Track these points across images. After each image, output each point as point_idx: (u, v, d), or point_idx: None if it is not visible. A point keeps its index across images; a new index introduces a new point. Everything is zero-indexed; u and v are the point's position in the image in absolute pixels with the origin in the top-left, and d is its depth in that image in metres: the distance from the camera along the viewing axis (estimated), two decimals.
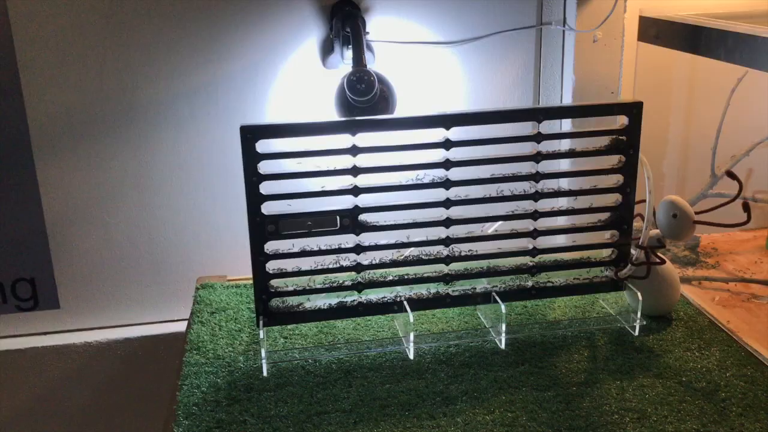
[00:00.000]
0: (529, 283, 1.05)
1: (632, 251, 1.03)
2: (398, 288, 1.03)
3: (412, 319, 0.98)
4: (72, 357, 1.28)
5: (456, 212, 1.00)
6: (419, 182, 0.97)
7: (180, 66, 1.19)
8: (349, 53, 1.17)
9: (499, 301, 1.01)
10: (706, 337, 1.01)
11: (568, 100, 1.27)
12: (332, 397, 0.90)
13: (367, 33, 1.20)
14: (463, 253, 1.02)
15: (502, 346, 1.00)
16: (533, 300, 1.12)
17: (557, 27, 1.26)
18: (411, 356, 0.99)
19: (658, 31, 1.26)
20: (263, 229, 0.94)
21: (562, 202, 1.08)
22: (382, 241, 0.99)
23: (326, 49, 1.22)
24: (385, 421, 0.85)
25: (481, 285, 1.04)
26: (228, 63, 1.20)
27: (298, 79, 1.22)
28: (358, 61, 1.10)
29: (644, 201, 1.02)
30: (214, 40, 1.19)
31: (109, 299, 1.30)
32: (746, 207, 0.94)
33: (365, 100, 1.10)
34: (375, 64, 1.22)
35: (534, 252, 1.03)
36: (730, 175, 0.96)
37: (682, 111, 1.37)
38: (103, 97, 1.19)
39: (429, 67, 1.27)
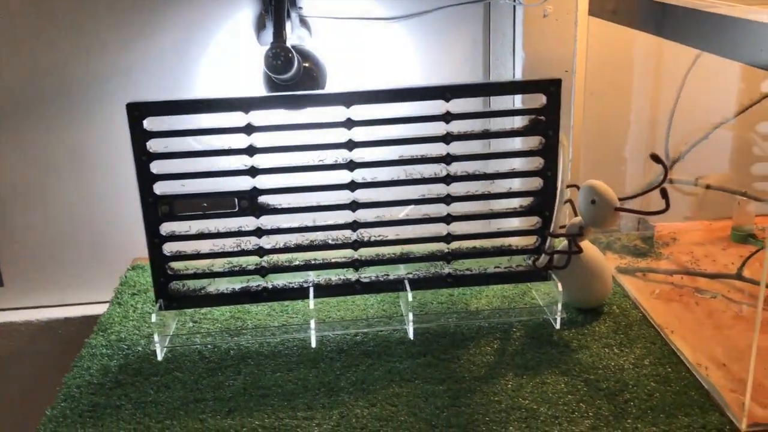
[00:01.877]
0: (446, 271, 0.99)
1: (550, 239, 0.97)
2: (310, 273, 1.00)
3: (312, 306, 0.95)
4: (13, 335, 1.28)
5: (364, 195, 0.95)
6: (321, 164, 0.93)
7: (113, 42, 1.17)
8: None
9: (407, 289, 0.96)
10: (631, 333, 0.95)
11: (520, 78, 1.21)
12: (217, 384, 0.88)
13: (300, 8, 1.16)
14: (373, 239, 0.97)
15: (410, 336, 0.96)
16: (461, 288, 1.07)
17: (506, 1, 1.19)
18: (313, 344, 0.95)
19: (617, 6, 1.18)
20: (156, 209, 0.92)
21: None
22: (285, 225, 0.95)
23: (260, 25, 1.18)
24: (259, 411, 0.82)
25: (399, 272, 1.00)
26: (161, 39, 1.18)
27: (233, 55, 1.19)
28: (278, 36, 1.06)
29: (576, 186, 0.96)
30: (147, 15, 1.16)
31: (52, 278, 1.30)
32: (664, 193, 0.86)
33: (288, 78, 1.07)
34: (311, 40, 1.18)
35: (448, 238, 0.98)
36: (655, 158, 0.88)
37: (648, 93, 1.28)
38: (38, 75, 1.18)
39: (373, 44, 1.22)
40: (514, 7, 1.20)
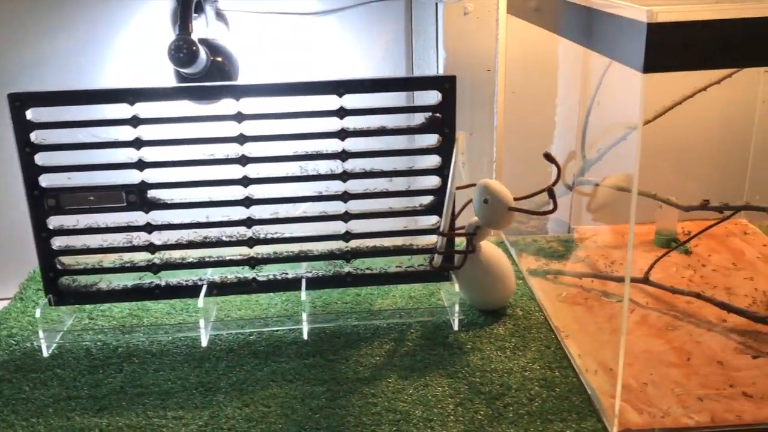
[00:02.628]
0: (346, 270, 0.97)
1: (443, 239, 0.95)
2: (208, 271, 0.98)
3: (202, 304, 0.93)
4: None
5: (259, 191, 0.93)
6: (212, 158, 0.91)
7: (24, 35, 1.15)
8: (196, 22, 1.11)
9: (302, 288, 0.94)
10: (528, 336, 0.93)
11: None
12: (95, 382, 0.85)
13: (216, 1, 1.14)
14: (269, 236, 0.95)
15: (305, 336, 0.94)
16: (368, 288, 1.05)
17: None
18: (203, 343, 0.93)
19: (535, 5, 1.16)
20: (42, 203, 0.90)
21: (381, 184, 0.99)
22: (177, 221, 0.93)
23: (175, 19, 1.16)
24: (130, 411, 0.80)
25: (300, 270, 0.98)
26: (77, 29, 1.16)
27: (151, 47, 1.17)
28: (183, 28, 1.04)
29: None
30: (60, 6, 1.14)
31: None
32: (551, 193, 0.85)
33: (194, 71, 1.05)
34: (228, 34, 1.16)
35: (347, 236, 0.96)
36: (548, 158, 0.86)
37: (572, 92, 1.26)
38: None
39: (296, 40, 1.20)
40: (436, 4, 1.18)
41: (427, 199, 0.95)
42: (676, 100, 1.10)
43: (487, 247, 0.97)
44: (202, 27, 1.13)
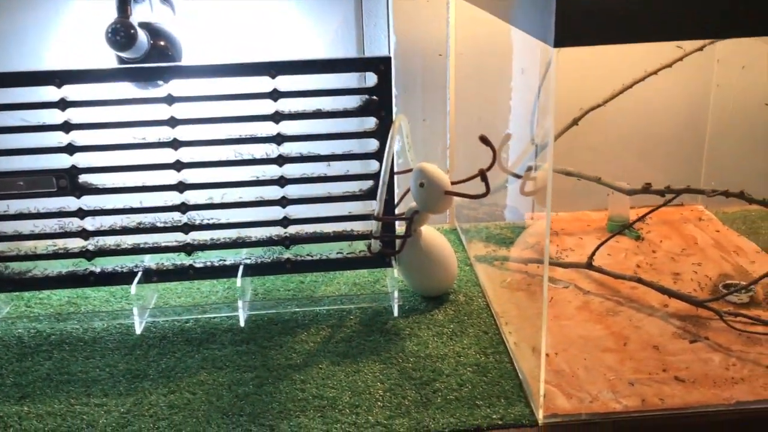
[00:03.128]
0: (286, 256, 0.96)
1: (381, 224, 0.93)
2: (146, 257, 0.96)
3: (134, 291, 0.91)
4: None
5: (194, 176, 0.92)
6: (143, 142, 0.89)
7: None
8: (139, 5, 1.09)
9: (238, 276, 0.92)
10: (468, 322, 0.91)
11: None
12: (22, 369, 0.84)
13: None
14: (205, 222, 0.93)
15: (241, 323, 0.92)
16: (313, 274, 1.03)
17: None
18: (137, 331, 0.91)
19: None
20: None
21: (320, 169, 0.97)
22: (109, 206, 0.92)
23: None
24: (53, 398, 0.78)
25: (239, 257, 0.96)
26: (18, 11, 1.14)
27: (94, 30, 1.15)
28: (121, 11, 1.01)
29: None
30: None
31: None
32: (482, 176, 0.83)
33: (133, 55, 1.03)
34: (174, 18, 1.14)
35: (285, 222, 0.94)
36: (483, 140, 0.85)
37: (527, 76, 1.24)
38: None
39: (245, 23, 1.18)
40: None
41: (367, 184, 0.94)
42: (627, 84, 1.09)
43: (428, 232, 0.96)
44: (146, 11, 1.11)
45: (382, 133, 0.90)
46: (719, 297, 0.89)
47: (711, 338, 0.84)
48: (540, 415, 0.72)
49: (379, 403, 0.76)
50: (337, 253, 0.97)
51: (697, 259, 1.05)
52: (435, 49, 1.18)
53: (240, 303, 0.92)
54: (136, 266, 0.94)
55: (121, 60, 1.06)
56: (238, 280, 0.92)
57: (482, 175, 0.83)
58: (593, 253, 0.97)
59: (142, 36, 1.02)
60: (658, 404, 0.73)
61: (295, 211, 0.94)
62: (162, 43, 1.08)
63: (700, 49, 1.08)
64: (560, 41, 0.59)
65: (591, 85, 1.14)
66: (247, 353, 0.86)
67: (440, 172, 0.89)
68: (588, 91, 1.15)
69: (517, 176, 0.92)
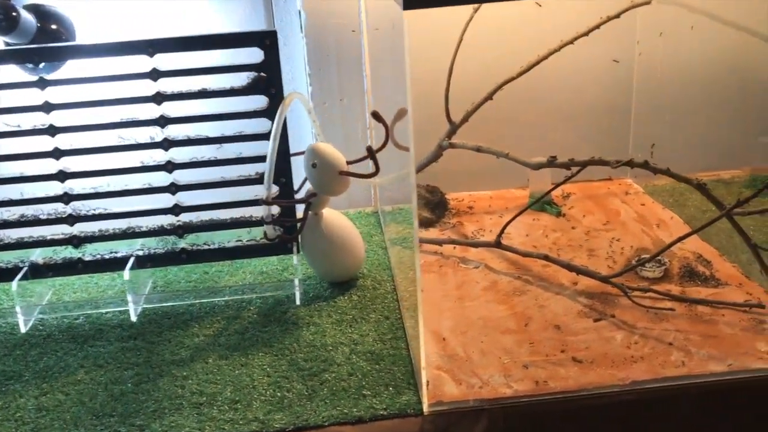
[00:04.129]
0: (181, 246, 0.91)
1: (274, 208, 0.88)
2: (37, 251, 0.91)
3: (15, 287, 0.86)
4: None
5: (76, 164, 0.87)
6: (17, 129, 0.84)
7: None
8: None
9: (127, 268, 0.88)
10: (371, 308, 0.87)
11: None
12: None
13: None
14: (91, 212, 0.89)
15: (133, 318, 0.88)
16: (217, 263, 0.99)
17: None
18: (23, 329, 0.86)
19: None
20: None
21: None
22: None
23: None
24: None
25: (132, 248, 0.91)
26: None
27: None
28: None
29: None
30: None
31: None
32: (371, 155, 0.79)
33: (17, 38, 0.97)
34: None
35: (176, 210, 0.89)
36: (376, 116, 0.80)
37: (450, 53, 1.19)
38: None
39: (148, 4, 1.12)
40: None
41: (262, 167, 0.89)
42: (542, 55, 1.04)
43: (331, 215, 0.91)
44: None
45: (273, 111, 0.86)
46: (622, 272, 0.85)
47: (617, 316, 0.81)
48: (425, 404, 0.69)
49: (261, 397, 0.72)
50: (236, 241, 0.92)
51: (617, 234, 1.01)
52: (348, 26, 1.13)
53: (130, 297, 0.87)
54: (22, 261, 0.89)
55: (8, 45, 1.01)
56: (126, 273, 0.87)
57: (371, 153, 0.78)
58: (501, 232, 0.93)
59: (28, 19, 0.96)
60: (550, 387, 0.69)
61: (188, 198, 0.90)
62: (53, 26, 1.03)
63: (617, 16, 1.04)
64: (409, 3, 0.55)
65: (508, 58, 1.10)
66: (133, 349, 0.81)
67: (334, 151, 0.84)
68: (505, 65, 1.10)
69: (405, 149, 0.88)
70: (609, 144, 1.23)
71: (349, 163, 0.85)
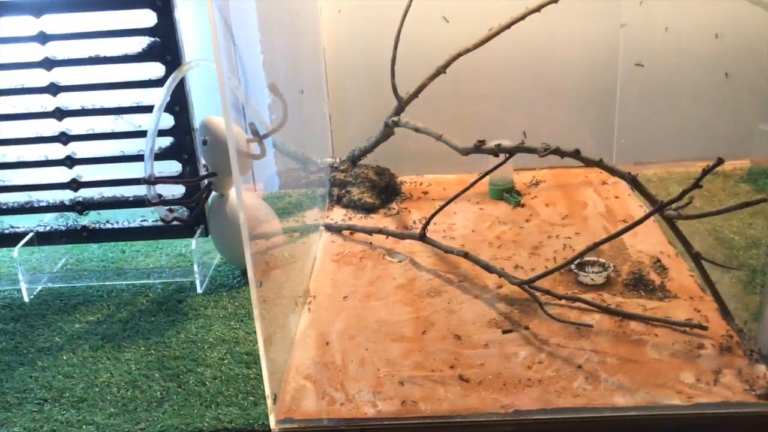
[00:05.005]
0: (82, 223, 0.85)
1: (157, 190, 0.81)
2: None
3: None
4: None
5: None
6: None
7: None
8: None
9: (18, 245, 0.82)
10: (275, 301, 0.79)
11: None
12: None
13: None
14: None
15: (25, 299, 0.83)
16: (141, 242, 0.93)
17: None
18: None
19: None
20: None
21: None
22: None
23: None
24: None
25: (35, 224, 0.86)
26: None
27: None
28: None
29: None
30: None
31: None
32: (254, 132, 0.70)
33: None
34: None
35: (74, 185, 0.83)
36: (273, 89, 0.72)
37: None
38: None
39: None
40: None
41: (166, 141, 0.82)
42: (504, 24, 0.92)
43: (246, 199, 0.83)
44: None
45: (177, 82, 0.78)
46: (535, 278, 0.73)
47: (532, 328, 0.70)
48: (272, 421, 0.60)
49: (111, 397, 0.65)
50: (141, 220, 0.86)
51: (575, 230, 0.90)
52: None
53: (20, 276, 0.82)
54: None
55: None
56: (15, 251, 0.82)
57: (253, 131, 0.70)
58: (426, 224, 0.83)
59: None
60: (416, 410, 0.60)
61: (86, 173, 0.83)
62: None
63: None
64: None
65: (468, 29, 0.98)
66: (9, 333, 0.76)
67: (221, 126, 0.76)
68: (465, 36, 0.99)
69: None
70: (591, 123, 1.10)
71: (249, 141, 0.77)
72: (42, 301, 0.82)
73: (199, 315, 0.78)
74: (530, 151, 0.72)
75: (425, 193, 1.04)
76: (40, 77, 0.79)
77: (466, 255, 0.78)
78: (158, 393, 0.66)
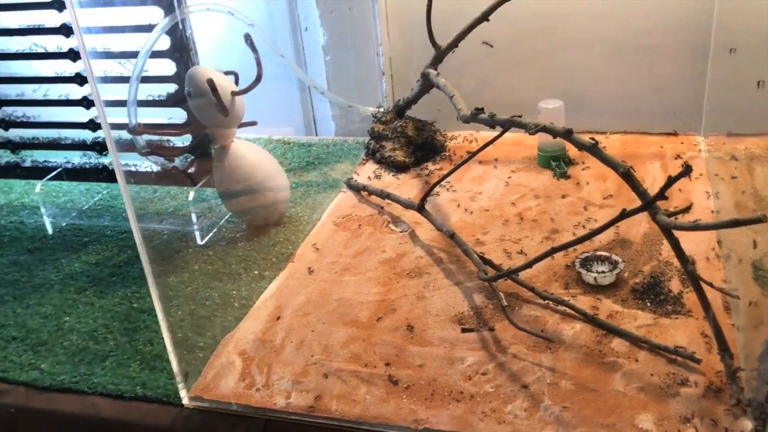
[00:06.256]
0: (105, 162, 0.87)
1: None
2: None
3: None
4: None
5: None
6: None
7: None
8: None
9: (41, 181, 0.86)
10: (259, 263, 0.76)
11: None
12: None
13: None
14: (19, 120, 0.87)
15: (50, 231, 0.87)
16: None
17: None
18: None
19: None
20: None
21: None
22: None
23: None
24: None
25: (64, 160, 0.90)
26: None
27: None
28: None
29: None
30: None
31: None
32: (212, 88, 0.65)
33: None
34: None
35: (91, 125, 0.85)
36: (247, 41, 0.66)
37: None
38: None
39: None
40: None
41: (171, 88, 0.80)
42: None
43: (241, 150, 0.79)
44: None
45: (175, 27, 0.75)
46: (497, 277, 0.63)
47: (499, 330, 0.61)
48: (185, 397, 0.59)
49: (65, 345, 0.67)
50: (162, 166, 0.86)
51: (610, 214, 0.77)
52: None
53: (43, 209, 0.86)
54: None
55: None
56: (38, 186, 0.86)
57: (211, 86, 0.65)
58: (425, 196, 0.75)
59: None
60: (324, 410, 0.55)
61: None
62: None
63: None
64: None
65: None
66: (17, 264, 0.80)
67: (217, 74, 0.72)
68: None
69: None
70: (678, 93, 0.94)
71: (234, 94, 0.73)
72: (60, 236, 0.86)
73: (186, 269, 0.77)
74: (521, 126, 0.61)
75: (469, 152, 0.95)
76: (53, 18, 0.80)
77: (452, 236, 0.70)
78: (109, 347, 0.66)
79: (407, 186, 0.88)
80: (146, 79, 0.80)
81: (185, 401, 0.59)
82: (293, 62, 0.98)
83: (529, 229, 0.76)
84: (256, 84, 0.70)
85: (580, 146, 0.58)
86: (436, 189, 0.85)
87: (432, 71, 0.86)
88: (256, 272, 0.75)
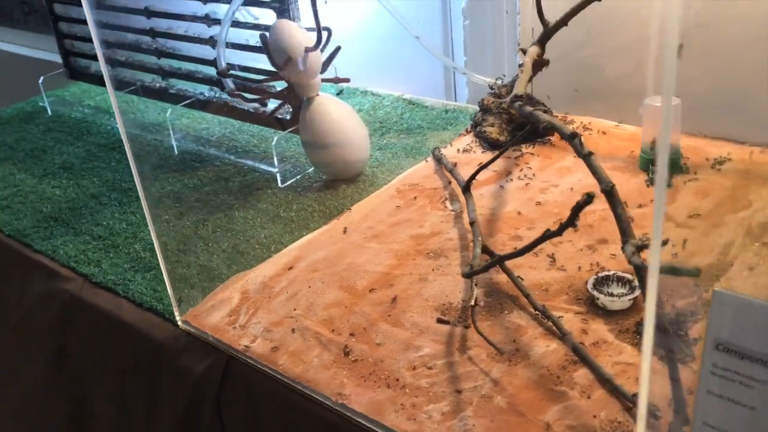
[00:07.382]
0: (226, 98, 0.96)
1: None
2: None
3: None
4: None
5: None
6: None
7: None
8: None
9: (171, 108, 0.97)
10: (317, 215, 0.80)
11: None
12: None
13: None
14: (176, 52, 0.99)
15: (175, 152, 0.98)
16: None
17: None
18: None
19: None
20: None
21: None
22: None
23: None
24: None
25: (200, 92, 1.00)
26: None
27: None
28: None
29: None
30: None
31: None
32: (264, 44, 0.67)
33: None
34: None
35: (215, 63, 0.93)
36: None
37: None
38: None
39: None
40: None
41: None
42: None
43: (324, 104, 0.82)
44: None
45: None
46: (472, 273, 0.58)
47: (471, 330, 0.58)
48: (178, 316, 0.65)
49: (119, 249, 0.78)
50: (254, 109, 0.92)
51: (684, 236, 0.68)
52: None
53: (171, 131, 0.97)
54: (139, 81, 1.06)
55: None
56: (168, 112, 0.97)
57: (263, 41, 0.68)
58: (472, 177, 0.72)
59: None
60: (274, 362, 0.58)
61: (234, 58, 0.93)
62: None
63: None
64: None
65: None
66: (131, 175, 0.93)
67: (286, 31, 0.75)
68: None
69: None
70: None
71: (307, 50, 0.75)
72: (182, 158, 0.97)
73: (257, 209, 0.83)
74: (537, 121, 0.56)
75: (588, 129, 0.88)
76: None
77: (472, 224, 0.67)
78: (156, 261, 0.75)
79: (491, 165, 0.84)
80: (240, 25, 0.86)
81: (179, 323, 0.65)
82: (401, 17, 0.98)
83: (576, 234, 0.70)
84: (316, 47, 0.72)
85: (577, 153, 0.52)
86: (522, 174, 0.81)
87: (527, 50, 0.81)
88: (304, 222, 0.78)
